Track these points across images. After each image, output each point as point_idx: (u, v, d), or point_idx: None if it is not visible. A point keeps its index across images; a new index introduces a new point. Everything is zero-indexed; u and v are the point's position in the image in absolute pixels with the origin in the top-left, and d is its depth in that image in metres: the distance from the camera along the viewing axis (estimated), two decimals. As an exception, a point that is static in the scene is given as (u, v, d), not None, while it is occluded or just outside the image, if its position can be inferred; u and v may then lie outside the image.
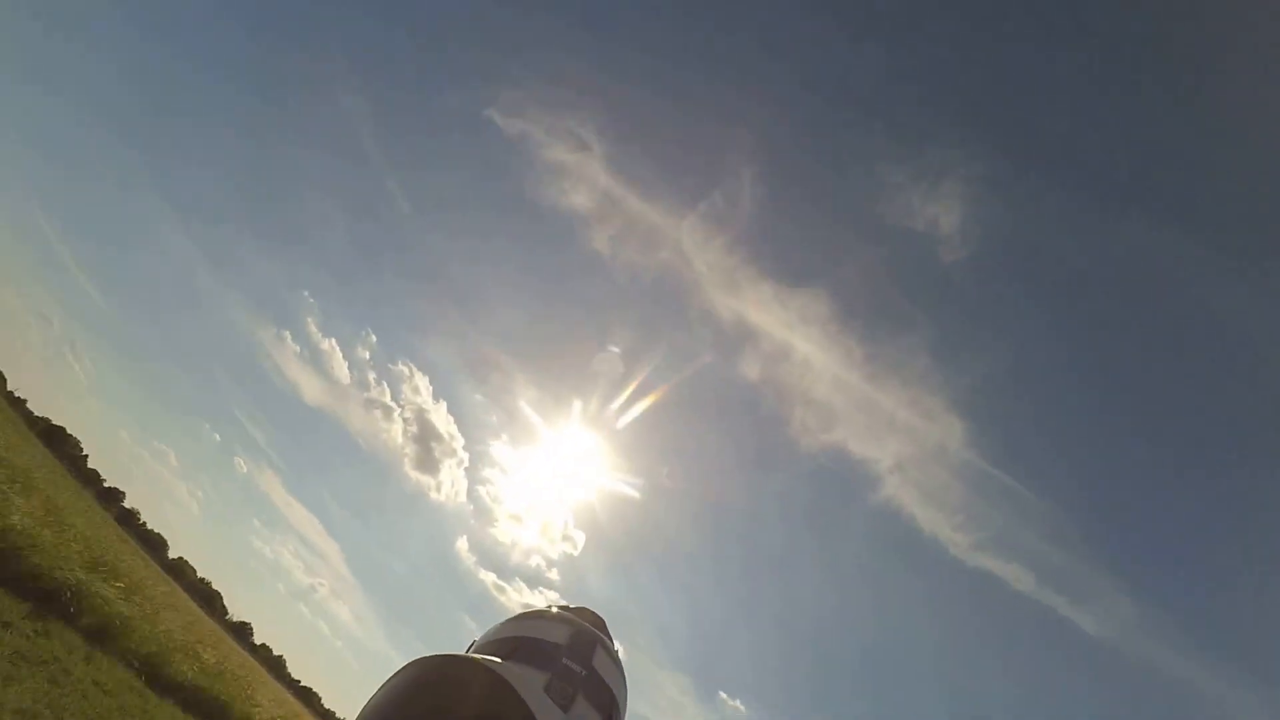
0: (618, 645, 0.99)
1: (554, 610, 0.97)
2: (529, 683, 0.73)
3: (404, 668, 0.71)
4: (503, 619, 0.97)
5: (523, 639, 0.90)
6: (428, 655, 0.72)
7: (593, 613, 1.01)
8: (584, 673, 0.86)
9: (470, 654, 0.82)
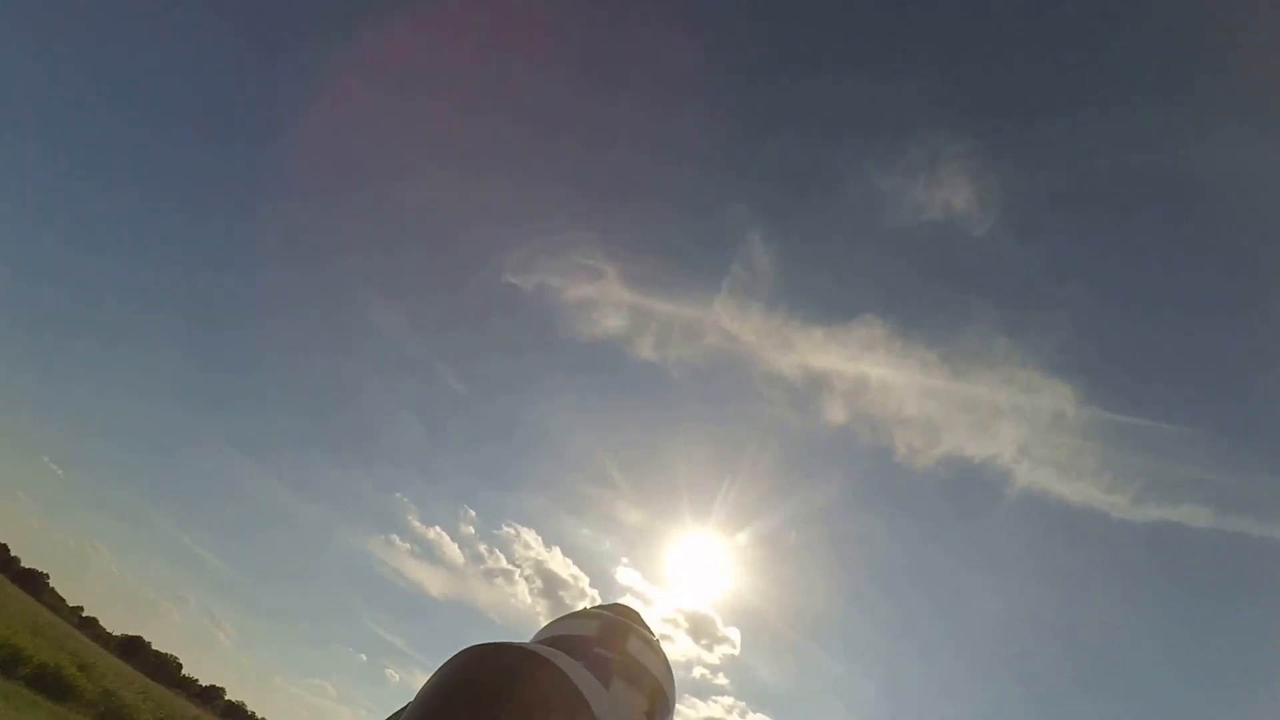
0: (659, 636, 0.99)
1: (585, 609, 1.00)
2: (569, 662, 0.74)
3: (456, 655, 0.72)
4: None
5: (555, 638, 0.92)
6: (479, 643, 0.73)
7: (626, 607, 1.02)
8: (617, 658, 0.87)
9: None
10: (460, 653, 0.73)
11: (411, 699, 0.74)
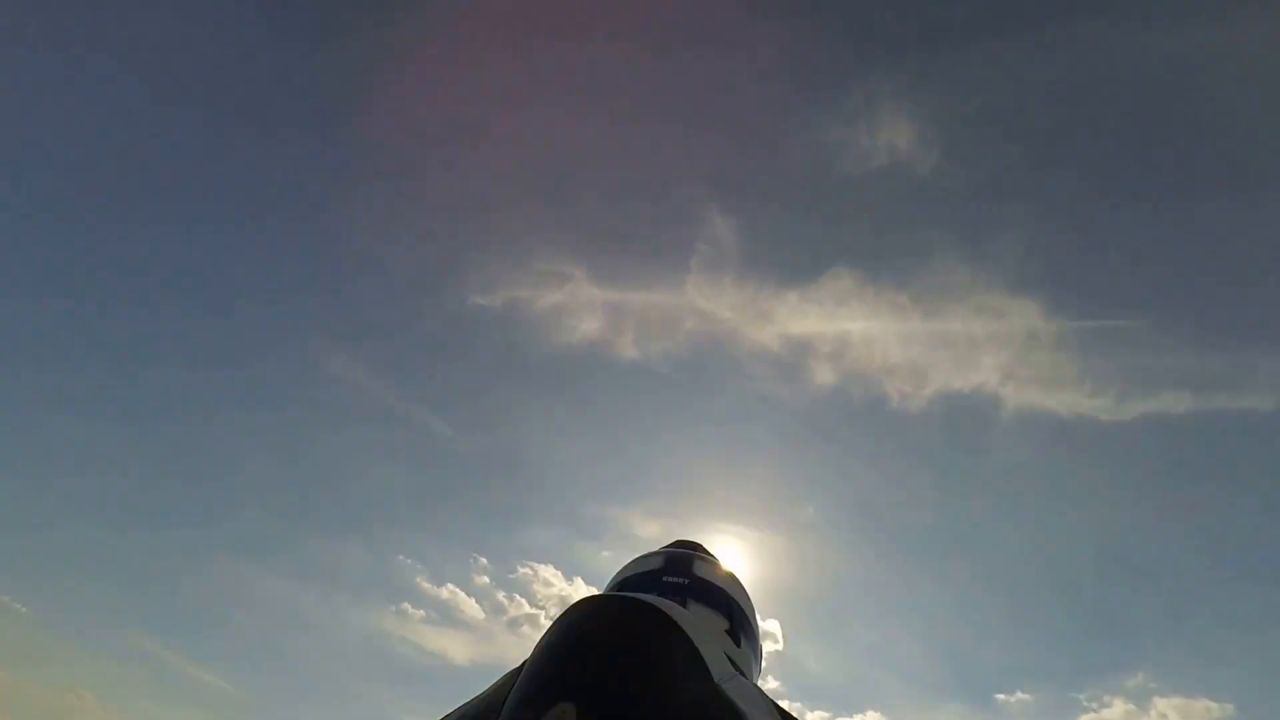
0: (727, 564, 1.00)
1: (646, 553, 1.00)
2: (667, 604, 0.75)
3: (564, 612, 0.74)
4: None
5: (624, 580, 0.94)
6: (583, 598, 0.76)
7: (688, 541, 1.03)
8: (686, 582, 0.89)
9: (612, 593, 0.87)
10: (568, 610, 0.73)
11: None
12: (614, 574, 0.99)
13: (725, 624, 0.88)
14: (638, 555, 1.00)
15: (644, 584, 0.91)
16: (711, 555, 1.01)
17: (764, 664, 0.97)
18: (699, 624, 0.76)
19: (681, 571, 0.92)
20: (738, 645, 0.87)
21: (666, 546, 1.01)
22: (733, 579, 0.96)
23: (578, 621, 0.71)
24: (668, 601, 0.76)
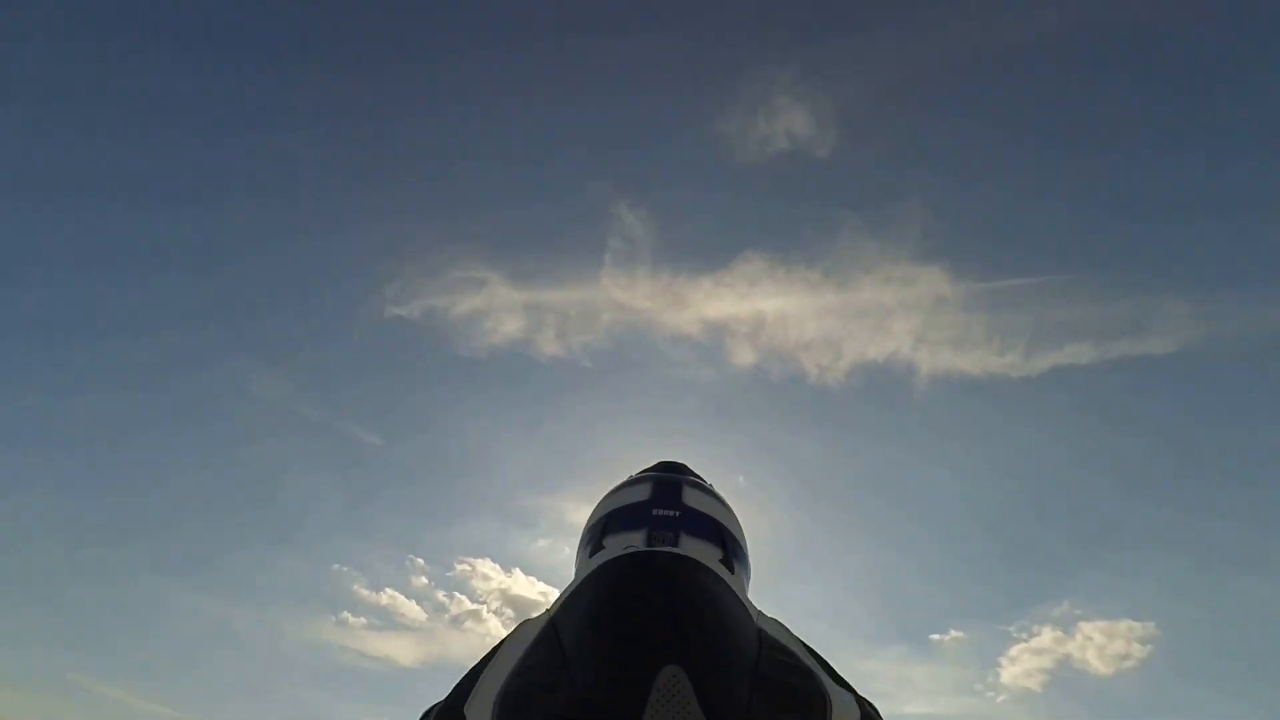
0: (719, 480, 1.01)
1: (632, 477, 0.99)
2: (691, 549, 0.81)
3: (603, 572, 0.76)
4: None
5: (611, 513, 0.92)
6: (614, 559, 0.78)
7: (670, 462, 1.02)
8: (677, 514, 0.88)
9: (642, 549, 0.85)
10: (620, 570, 0.75)
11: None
12: (598, 503, 0.97)
13: (719, 553, 0.87)
14: (622, 481, 0.98)
15: (634, 516, 0.89)
16: (698, 476, 1.00)
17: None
18: (726, 573, 0.81)
19: (671, 502, 0.90)
20: (731, 572, 0.86)
21: (650, 469, 1.00)
22: (722, 504, 0.96)
23: (646, 583, 0.73)
24: (708, 552, 0.83)
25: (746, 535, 0.96)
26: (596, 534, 0.90)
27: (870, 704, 0.74)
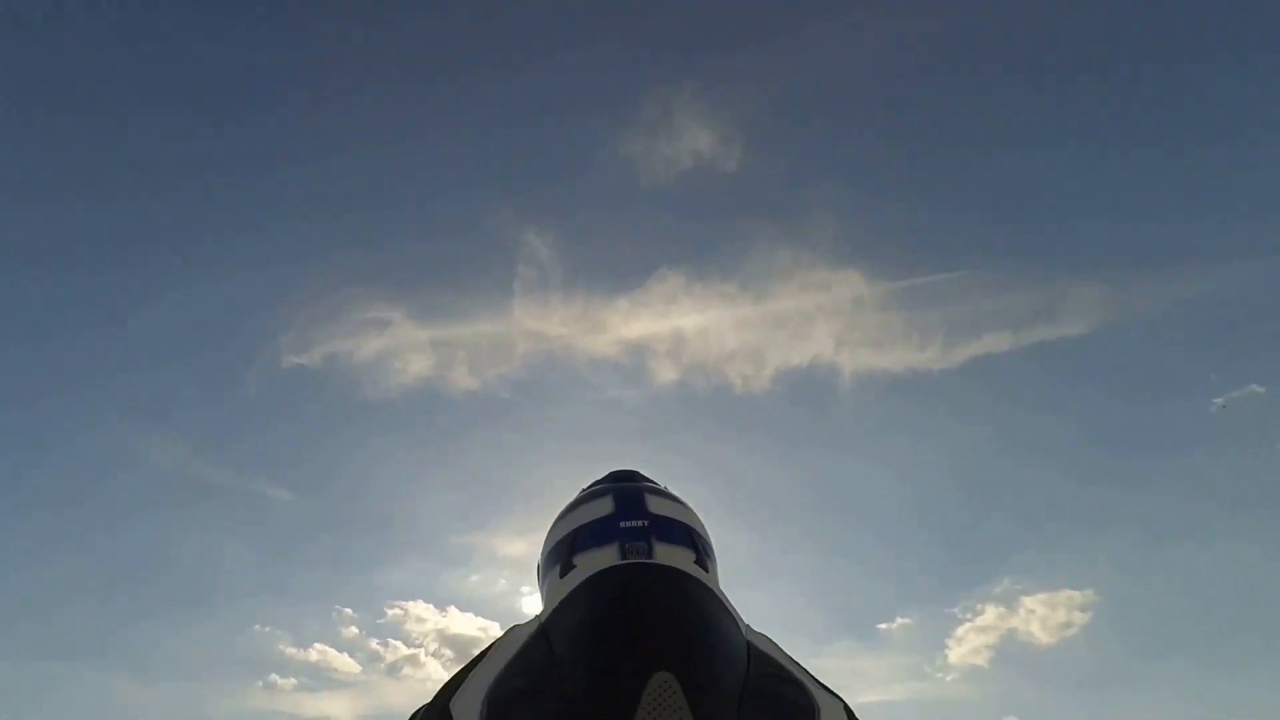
0: (665, 484, 1.01)
1: (588, 490, 0.99)
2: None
3: (604, 581, 0.78)
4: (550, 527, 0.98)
5: (577, 530, 0.91)
6: (610, 567, 0.81)
7: (623, 471, 1.02)
8: (644, 523, 0.88)
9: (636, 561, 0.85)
10: (609, 581, 0.78)
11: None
12: (557, 521, 0.96)
13: (693, 555, 0.88)
14: (578, 496, 0.98)
15: (601, 531, 0.89)
16: (654, 481, 1.00)
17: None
18: (702, 572, 0.84)
19: (637, 512, 0.90)
20: (706, 571, 0.88)
21: (602, 481, 1.00)
22: (688, 510, 0.96)
23: (638, 592, 0.76)
24: (683, 556, 0.85)
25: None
26: (564, 553, 0.89)
27: (855, 715, 0.77)
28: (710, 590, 0.81)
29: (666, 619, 0.73)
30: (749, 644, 0.76)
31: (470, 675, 0.72)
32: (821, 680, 0.79)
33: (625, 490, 0.95)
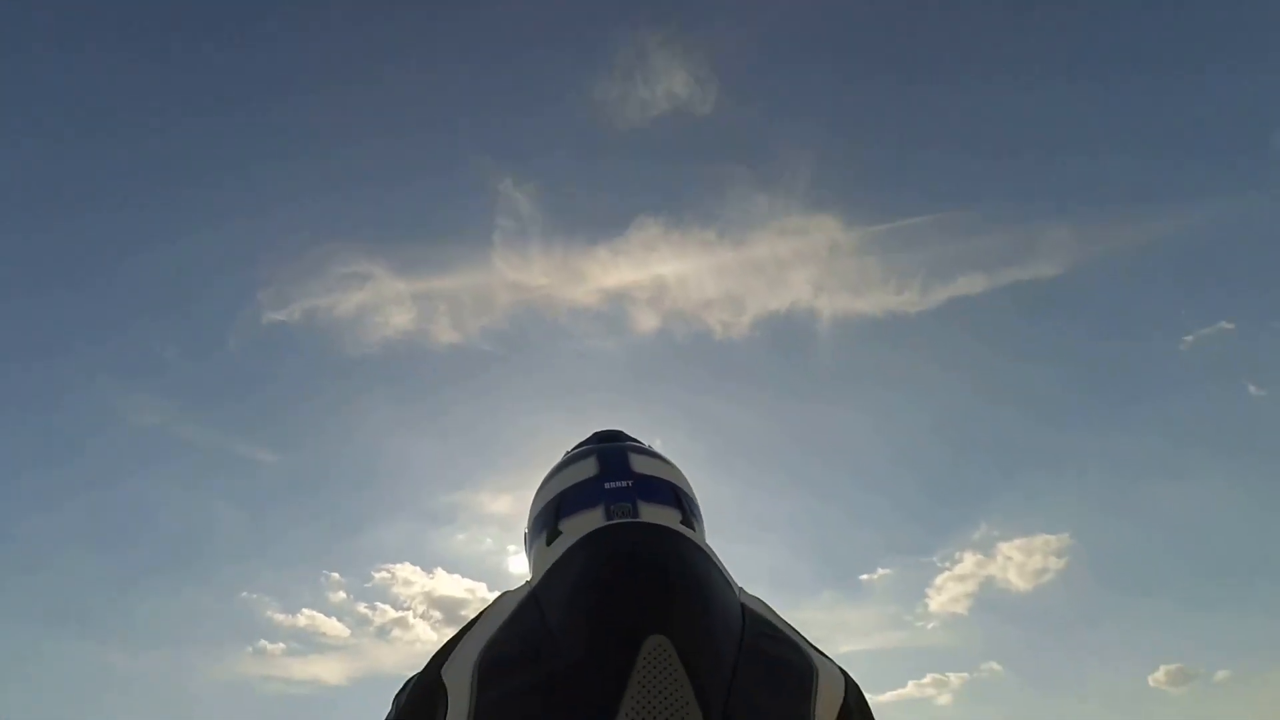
0: (649, 441, 1.00)
1: (571, 452, 0.97)
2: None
3: (599, 540, 0.77)
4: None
5: (563, 494, 0.90)
6: (598, 529, 0.79)
7: (606, 431, 1.01)
8: (629, 484, 0.88)
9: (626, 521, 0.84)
10: (604, 540, 0.76)
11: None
12: (541, 486, 0.95)
13: (679, 514, 0.87)
14: (561, 459, 0.96)
15: (585, 494, 0.87)
16: (637, 440, 0.99)
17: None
18: (690, 531, 0.83)
19: (621, 472, 0.89)
20: (692, 529, 0.87)
21: (587, 442, 0.98)
22: (668, 465, 0.95)
23: (632, 554, 0.75)
24: (668, 515, 0.84)
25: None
26: (550, 519, 0.89)
27: (850, 676, 0.76)
28: (702, 550, 0.79)
29: (659, 581, 0.71)
30: (743, 605, 0.75)
31: (461, 642, 0.71)
32: (810, 640, 0.78)
33: (608, 450, 0.94)
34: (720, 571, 0.78)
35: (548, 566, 0.78)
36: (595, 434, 1.01)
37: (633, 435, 1.01)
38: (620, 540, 0.77)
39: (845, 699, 0.73)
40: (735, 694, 0.64)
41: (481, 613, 0.76)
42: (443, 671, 0.69)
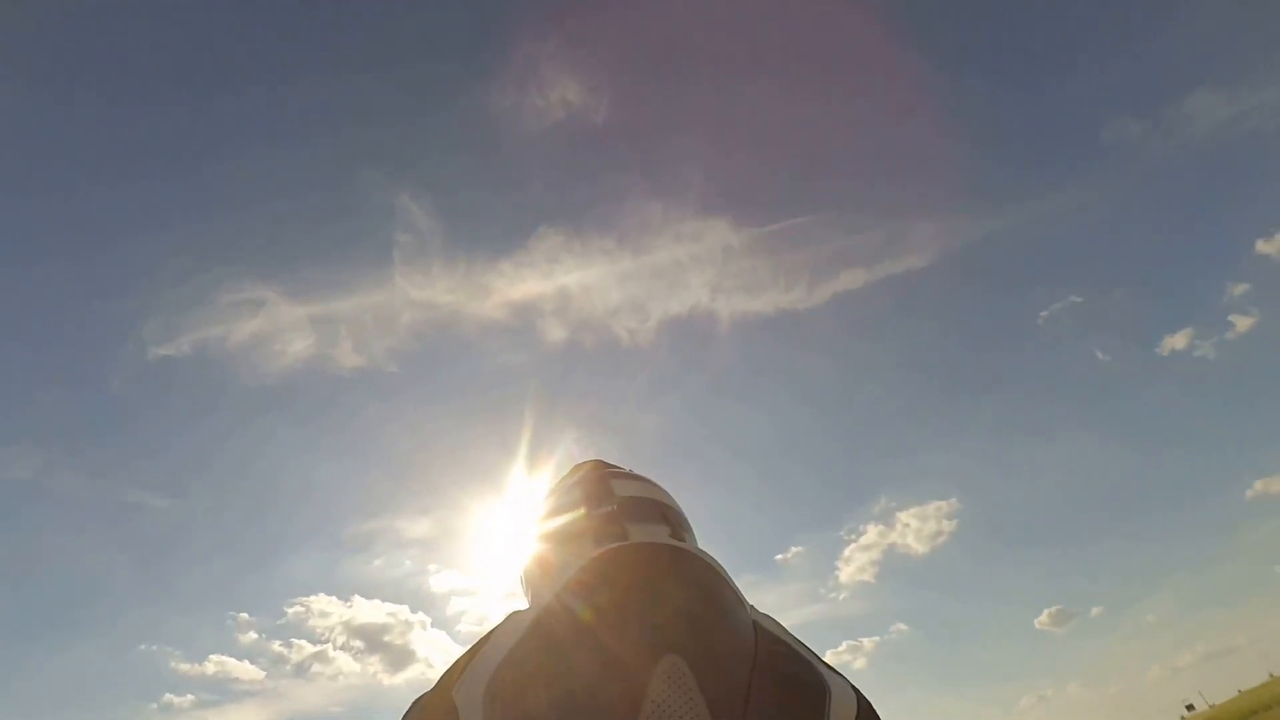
0: (629, 466, 1.01)
1: (555, 488, 0.98)
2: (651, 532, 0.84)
3: (609, 560, 0.76)
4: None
5: (557, 530, 0.91)
6: (611, 549, 0.77)
7: (584, 463, 1.02)
8: (613, 507, 0.88)
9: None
10: (616, 560, 0.75)
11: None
12: (533, 532, 0.95)
13: (667, 530, 0.87)
14: (547, 494, 0.97)
15: (579, 528, 0.88)
16: (616, 465, 1.00)
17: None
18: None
19: (604, 499, 0.90)
20: (682, 542, 0.86)
21: (567, 478, 0.99)
22: (655, 487, 0.96)
23: (644, 574, 0.74)
24: (657, 532, 0.84)
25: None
26: (549, 559, 0.89)
27: (862, 693, 0.77)
28: (714, 568, 0.79)
29: (670, 599, 0.71)
30: (755, 624, 0.75)
31: (472, 662, 0.71)
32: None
33: (589, 481, 0.94)
34: (733, 589, 0.78)
35: (556, 590, 0.77)
36: (572, 468, 1.01)
37: (612, 462, 1.01)
38: (631, 561, 0.77)
39: (858, 718, 0.73)
40: (750, 713, 0.64)
41: (491, 632, 0.75)
42: (454, 692, 0.68)
